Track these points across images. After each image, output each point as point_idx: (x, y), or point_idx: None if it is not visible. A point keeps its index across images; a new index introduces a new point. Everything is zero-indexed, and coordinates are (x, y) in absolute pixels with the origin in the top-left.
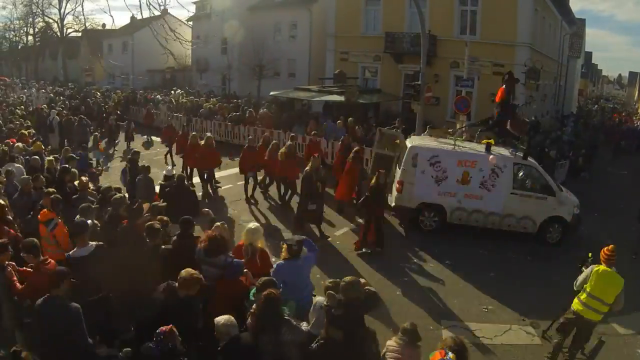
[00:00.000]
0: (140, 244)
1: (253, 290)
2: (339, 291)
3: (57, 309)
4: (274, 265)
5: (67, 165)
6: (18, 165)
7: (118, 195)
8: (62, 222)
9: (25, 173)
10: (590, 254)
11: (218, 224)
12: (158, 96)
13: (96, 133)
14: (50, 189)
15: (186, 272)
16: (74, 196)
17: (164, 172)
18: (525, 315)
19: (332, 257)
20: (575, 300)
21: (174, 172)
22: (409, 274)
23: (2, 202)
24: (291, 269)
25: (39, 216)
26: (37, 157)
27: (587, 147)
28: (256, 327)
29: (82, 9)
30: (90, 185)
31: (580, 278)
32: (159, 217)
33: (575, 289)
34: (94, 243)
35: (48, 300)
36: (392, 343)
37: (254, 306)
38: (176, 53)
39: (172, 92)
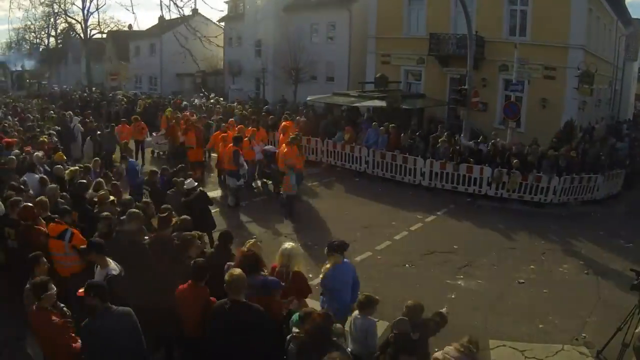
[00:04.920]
0: (173, 258)
1: (295, 316)
2: (405, 313)
3: (114, 322)
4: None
5: (84, 181)
6: (37, 175)
7: (133, 210)
8: (77, 230)
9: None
10: None
11: (251, 240)
12: (185, 102)
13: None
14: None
15: (230, 274)
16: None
17: (185, 185)
18: (578, 334)
19: (373, 272)
20: None
21: (196, 183)
22: (456, 290)
23: (32, 205)
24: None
25: (46, 231)
26: (60, 166)
27: None
28: (304, 350)
29: (96, 11)
30: (112, 197)
31: None
32: (193, 232)
33: None
34: (113, 266)
35: (103, 314)
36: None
37: (295, 330)
38: (207, 55)
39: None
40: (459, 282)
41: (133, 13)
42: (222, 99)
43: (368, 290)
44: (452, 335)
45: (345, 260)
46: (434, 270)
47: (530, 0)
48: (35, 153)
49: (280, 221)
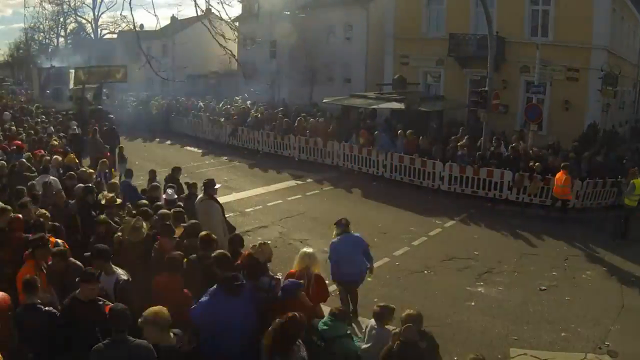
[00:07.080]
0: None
1: (325, 319)
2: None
3: (127, 353)
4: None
5: (90, 185)
6: (54, 177)
7: (164, 210)
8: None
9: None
10: None
11: (261, 242)
12: (200, 103)
13: (121, 145)
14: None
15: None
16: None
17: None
18: (602, 342)
19: (391, 279)
20: None
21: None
22: (476, 297)
23: (46, 212)
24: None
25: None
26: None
27: None
28: None
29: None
30: (119, 201)
31: None
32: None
33: None
34: (120, 272)
35: (116, 344)
36: None
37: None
38: (221, 56)
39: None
40: (479, 289)
41: (155, 15)
42: (240, 99)
43: (386, 297)
44: (472, 344)
45: (355, 234)
46: (453, 276)
47: (553, 0)
48: (54, 157)
49: (295, 227)
